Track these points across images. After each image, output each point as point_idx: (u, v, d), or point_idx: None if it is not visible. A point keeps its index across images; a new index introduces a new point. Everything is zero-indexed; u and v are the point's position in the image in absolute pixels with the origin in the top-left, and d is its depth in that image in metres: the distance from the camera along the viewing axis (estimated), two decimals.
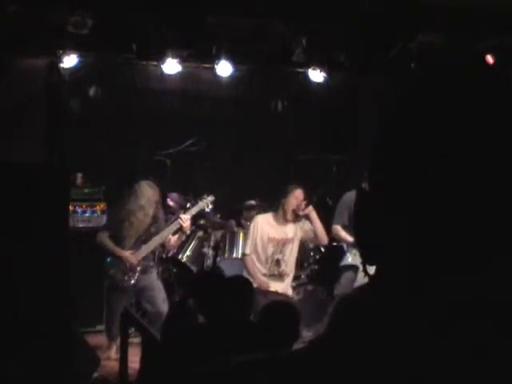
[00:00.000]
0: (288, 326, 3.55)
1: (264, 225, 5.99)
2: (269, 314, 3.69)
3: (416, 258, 0.71)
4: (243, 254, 6.10)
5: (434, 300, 0.70)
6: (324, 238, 6.08)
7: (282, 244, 5.99)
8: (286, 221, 5.98)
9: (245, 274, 5.64)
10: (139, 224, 5.86)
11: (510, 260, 0.69)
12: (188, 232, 6.30)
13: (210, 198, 6.32)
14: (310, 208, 5.97)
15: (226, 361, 0.80)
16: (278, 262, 6.01)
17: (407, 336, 0.70)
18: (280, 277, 6.03)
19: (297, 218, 6.00)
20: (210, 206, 6.42)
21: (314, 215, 5.98)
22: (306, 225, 6.06)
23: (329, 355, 0.74)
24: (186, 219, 5.94)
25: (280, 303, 4.22)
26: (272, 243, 5.98)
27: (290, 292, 6.14)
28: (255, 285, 5.11)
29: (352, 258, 6.03)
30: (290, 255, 6.05)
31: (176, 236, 6.12)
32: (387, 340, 0.71)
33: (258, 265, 5.95)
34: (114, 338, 5.76)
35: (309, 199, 6.09)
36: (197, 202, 6.28)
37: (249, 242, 5.99)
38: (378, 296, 0.75)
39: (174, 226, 5.98)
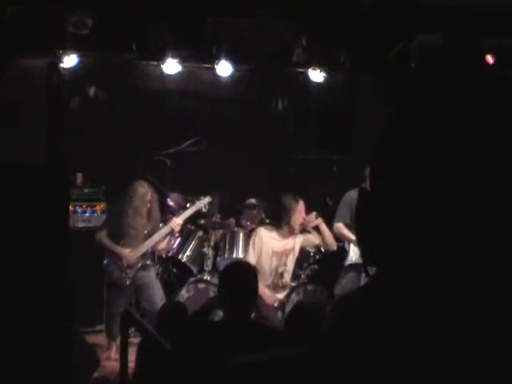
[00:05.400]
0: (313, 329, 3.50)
1: (267, 238, 5.90)
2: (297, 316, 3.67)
3: (414, 259, 0.71)
4: None
5: (433, 300, 0.70)
6: (333, 245, 6.07)
7: (286, 255, 5.96)
8: (291, 235, 5.94)
9: None
10: (134, 223, 5.98)
11: (509, 262, 0.69)
12: (177, 235, 6.38)
13: (207, 199, 6.42)
14: (320, 220, 5.96)
15: (227, 362, 0.80)
16: (281, 275, 6.00)
17: (408, 336, 0.70)
18: (283, 287, 6.05)
19: (304, 229, 6.00)
20: (207, 207, 6.47)
21: (323, 226, 5.97)
22: (310, 235, 6.05)
23: (329, 355, 0.74)
24: (177, 224, 6.08)
25: (307, 305, 4.17)
26: (276, 256, 5.93)
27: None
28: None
29: (355, 256, 6.03)
30: (291, 263, 6.06)
31: (166, 240, 6.20)
32: (387, 340, 0.71)
33: (261, 276, 5.87)
34: (114, 337, 5.77)
35: (310, 210, 6.02)
36: (194, 203, 6.35)
37: (250, 255, 5.84)
38: (378, 296, 0.75)
39: (167, 229, 6.10)
